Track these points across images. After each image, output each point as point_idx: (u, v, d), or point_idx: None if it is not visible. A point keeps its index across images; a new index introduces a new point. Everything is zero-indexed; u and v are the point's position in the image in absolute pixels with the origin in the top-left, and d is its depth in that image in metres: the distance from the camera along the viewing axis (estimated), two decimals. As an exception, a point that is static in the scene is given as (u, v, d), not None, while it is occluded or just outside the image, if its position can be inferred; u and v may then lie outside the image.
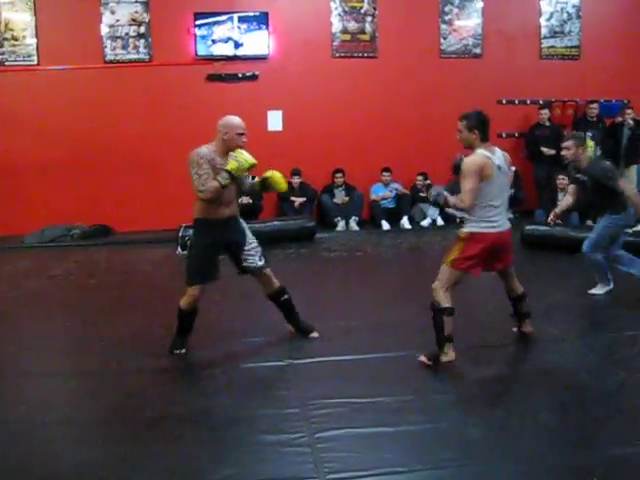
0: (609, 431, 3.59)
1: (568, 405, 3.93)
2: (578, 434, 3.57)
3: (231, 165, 4.59)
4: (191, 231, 7.93)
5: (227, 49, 9.77)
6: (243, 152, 4.65)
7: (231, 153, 4.64)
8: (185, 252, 8.16)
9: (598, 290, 6.27)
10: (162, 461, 3.37)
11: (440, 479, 3.18)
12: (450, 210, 4.70)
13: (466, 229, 4.57)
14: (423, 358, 4.50)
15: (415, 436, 3.56)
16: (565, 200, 6.50)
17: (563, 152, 6.01)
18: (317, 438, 3.52)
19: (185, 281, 4.78)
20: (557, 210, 6.41)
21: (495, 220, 4.55)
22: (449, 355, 4.49)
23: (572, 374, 4.45)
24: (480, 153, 4.55)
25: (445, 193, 4.65)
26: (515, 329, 5.15)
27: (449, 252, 4.59)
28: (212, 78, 9.89)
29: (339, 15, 10.13)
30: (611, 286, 6.24)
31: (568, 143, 5.97)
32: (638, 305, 5.96)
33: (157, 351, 4.91)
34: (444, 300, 4.48)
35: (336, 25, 10.15)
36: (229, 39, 9.75)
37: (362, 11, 10.19)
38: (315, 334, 5.12)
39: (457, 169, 4.74)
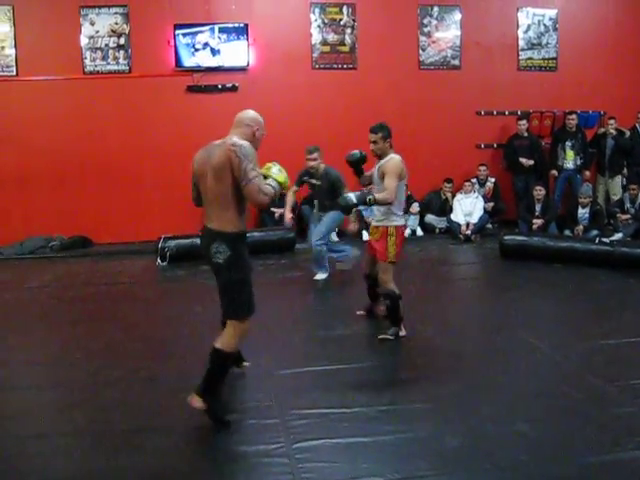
0: (585, 439, 3.62)
1: (545, 414, 3.96)
2: (555, 443, 3.59)
3: (282, 178, 4.01)
4: (171, 242, 7.89)
5: (207, 60, 9.77)
6: (276, 164, 4.12)
7: (269, 164, 4.07)
8: (165, 263, 8.20)
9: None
10: (139, 474, 3.35)
11: (417, 488, 3.19)
12: (374, 207, 5.05)
13: (393, 224, 5.17)
14: (388, 335, 5.20)
15: (392, 445, 3.57)
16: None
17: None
18: (295, 448, 3.52)
19: (233, 315, 3.85)
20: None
21: (402, 215, 5.35)
22: (403, 330, 5.26)
23: (548, 383, 4.49)
24: (398, 157, 5.15)
25: (370, 192, 5.13)
26: (361, 312, 5.79)
27: (384, 250, 5.15)
28: (192, 89, 9.89)
29: (319, 27, 10.18)
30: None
31: (315, 155, 7.09)
32: (613, 315, 6.02)
33: (134, 363, 4.89)
34: (396, 288, 5.17)
35: (316, 37, 10.19)
36: (209, 50, 9.76)
37: (342, 23, 10.25)
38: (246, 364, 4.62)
39: (356, 163, 5.27)
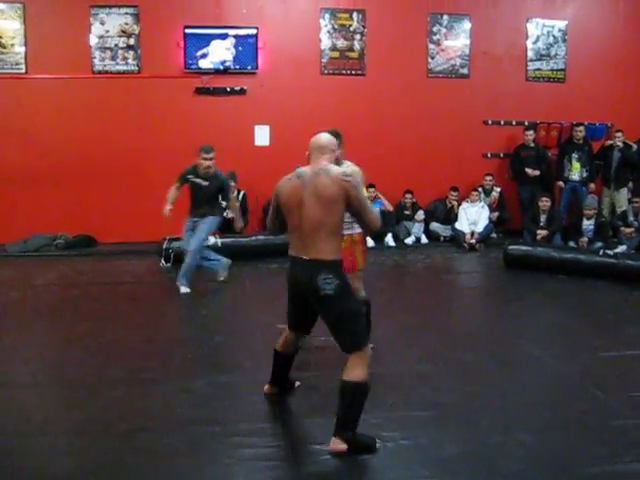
0: (585, 451, 3.61)
1: (546, 424, 3.96)
2: (554, 453, 3.58)
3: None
4: (175, 244, 7.94)
5: (216, 63, 9.80)
6: None
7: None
8: (169, 264, 8.21)
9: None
10: (136, 474, 3.36)
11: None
12: None
13: (357, 231, 4.92)
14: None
15: (392, 452, 3.56)
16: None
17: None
18: (294, 453, 3.52)
19: (356, 346, 3.64)
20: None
21: None
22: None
23: (549, 393, 4.48)
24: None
25: None
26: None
27: (355, 260, 4.98)
28: (200, 91, 9.91)
29: (328, 32, 10.20)
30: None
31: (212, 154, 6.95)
32: (615, 327, 6.01)
33: (136, 363, 4.90)
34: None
35: (325, 42, 10.21)
36: (218, 53, 9.78)
37: (351, 29, 10.26)
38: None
39: None
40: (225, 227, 9.44)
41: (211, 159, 7.01)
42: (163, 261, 8.32)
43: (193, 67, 9.76)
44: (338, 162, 4.86)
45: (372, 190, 10.07)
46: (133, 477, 3.33)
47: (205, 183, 7.05)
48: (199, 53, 9.71)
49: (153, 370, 4.78)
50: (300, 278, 3.68)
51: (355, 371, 3.59)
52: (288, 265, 3.81)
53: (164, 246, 8.36)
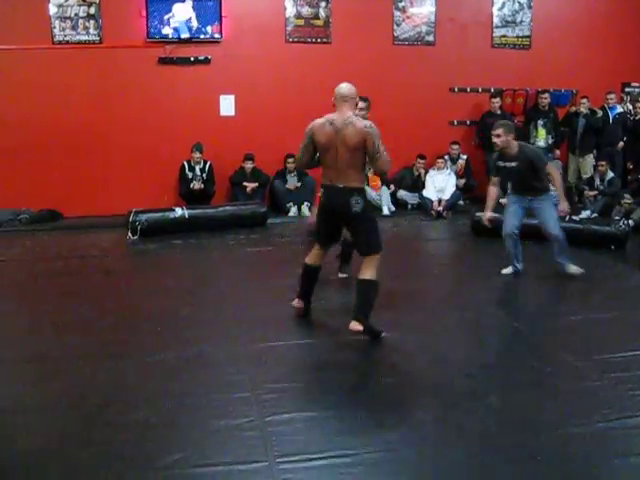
0: (555, 412, 3.70)
1: (514, 387, 4.02)
2: (524, 415, 3.65)
3: None
4: (142, 216, 7.86)
5: (179, 32, 9.63)
6: None
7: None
8: (136, 237, 8.14)
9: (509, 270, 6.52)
10: (109, 447, 3.34)
11: (386, 460, 3.21)
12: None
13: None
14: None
15: (364, 419, 3.59)
16: (491, 195, 6.55)
17: (494, 139, 6.17)
18: (267, 422, 3.54)
19: (373, 250, 4.66)
20: (489, 212, 6.52)
21: None
22: None
23: (520, 357, 4.55)
24: None
25: None
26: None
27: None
28: (164, 61, 9.74)
29: (293, 0, 10.07)
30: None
31: (498, 131, 6.15)
32: (582, 292, 6.10)
33: (105, 337, 4.87)
34: None
35: (290, 10, 10.08)
36: (181, 22, 9.61)
37: (316, -4, 10.16)
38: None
39: None
40: (193, 199, 9.40)
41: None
42: (130, 234, 8.23)
43: (156, 36, 9.58)
44: None
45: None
46: (103, 451, 3.31)
47: (511, 164, 6.24)
48: (161, 22, 9.52)
49: (122, 344, 4.75)
50: (336, 200, 4.63)
51: (368, 271, 4.59)
52: (322, 192, 4.75)
53: (130, 219, 8.26)
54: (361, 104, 5.58)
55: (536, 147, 10.15)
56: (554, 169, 6.48)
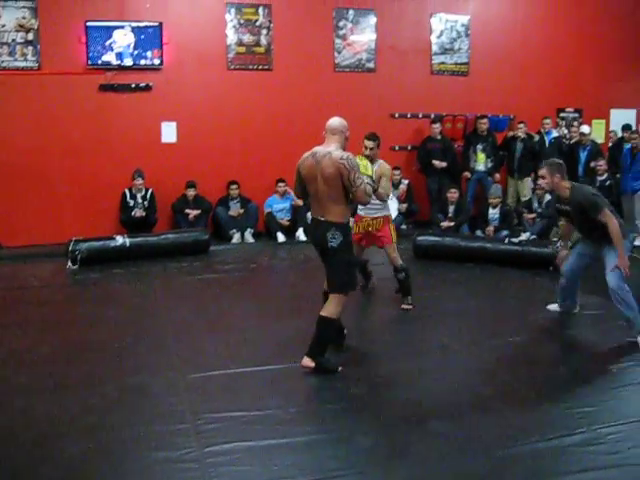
0: (498, 433, 3.75)
1: (455, 410, 4.05)
2: (466, 438, 3.68)
3: (372, 172, 5.01)
4: (82, 245, 7.73)
5: (120, 59, 9.57)
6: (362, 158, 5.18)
7: (360, 161, 4.84)
8: (76, 266, 7.99)
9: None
10: (44, 483, 3.26)
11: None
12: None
13: (387, 213, 6.38)
14: (409, 305, 6.26)
15: (305, 447, 3.59)
16: (563, 232, 6.37)
17: (539, 181, 6.06)
18: (207, 453, 3.50)
19: (340, 289, 4.62)
20: (564, 251, 6.08)
21: None
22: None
23: (459, 380, 4.60)
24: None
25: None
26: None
27: (389, 235, 6.28)
28: (105, 88, 9.65)
29: (234, 27, 10.11)
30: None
31: (542, 171, 5.58)
32: (521, 312, 6.20)
33: (42, 370, 4.76)
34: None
35: (231, 37, 10.12)
36: (122, 49, 9.56)
37: (257, 24, 10.21)
38: None
39: None
40: (134, 227, 9.28)
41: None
42: (70, 263, 8.08)
43: (97, 62, 9.50)
44: (372, 161, 5.72)
45: (282, 185, 10.07)
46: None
47: (566, 207, 5.62)
48: (102, 49, 9.44)
49: (60, 377, 4.64)
50: (316, 233, 4.66)
51: (329, 308, 4.61)
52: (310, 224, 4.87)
53: (70, 248, 8.12)
54: (370, 144, 5.93)
55: (477, 170, 10.45)
56: (611, 218, 5.27)
